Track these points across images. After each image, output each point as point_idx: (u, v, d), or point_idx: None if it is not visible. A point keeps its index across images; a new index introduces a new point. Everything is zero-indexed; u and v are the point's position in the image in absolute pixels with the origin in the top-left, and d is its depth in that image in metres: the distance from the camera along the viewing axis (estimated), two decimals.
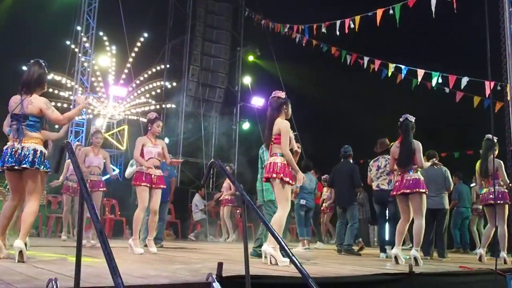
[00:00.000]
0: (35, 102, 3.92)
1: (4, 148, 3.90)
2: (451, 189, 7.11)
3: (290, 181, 4.40)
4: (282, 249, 2.56)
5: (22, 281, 2.59)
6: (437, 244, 6.83)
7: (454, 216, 9.12)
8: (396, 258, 5.19)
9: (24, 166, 3.77)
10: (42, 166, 3.85)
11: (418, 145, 5.38)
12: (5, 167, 3.83)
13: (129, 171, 7.19)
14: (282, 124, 4.50)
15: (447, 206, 6.98)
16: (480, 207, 9.24)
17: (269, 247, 4.21)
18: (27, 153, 3.81)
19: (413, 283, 3.75)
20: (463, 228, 9.35)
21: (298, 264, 2.34)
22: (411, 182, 5.26)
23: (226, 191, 10.32)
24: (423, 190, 5.25)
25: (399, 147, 5.45)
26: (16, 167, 3.78)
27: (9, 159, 3.81)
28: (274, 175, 4.38)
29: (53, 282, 2.17)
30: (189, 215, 11.25)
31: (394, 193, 5.43)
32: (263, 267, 3.88)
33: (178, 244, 8.17)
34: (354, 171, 7.33)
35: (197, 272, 3.26)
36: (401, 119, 5.53)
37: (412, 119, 5.49)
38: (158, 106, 14.00)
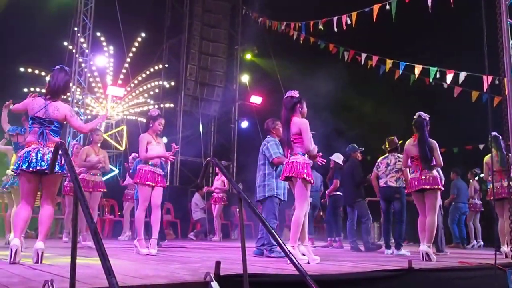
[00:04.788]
0: (61, 109, 4.03)
1: (25, 150, 3.88)
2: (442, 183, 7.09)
3: (312, 180, 4.47)
4: (279, 246, 2.54)
5: (19, 283, 2.57)
6: (435, 240, 6.82)
7: (452, 211, 9.11)
8: (427, 255, 5.05)
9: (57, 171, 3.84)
10: (61, 170, 3.91)
11: (434, 144, 5.32)
12: (31, 170, 3.80)
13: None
14: (301, 123, 4.49)
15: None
16: (478, 202, 9.26)
17: (288, 246, 4.16)
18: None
19: (413, 279, 3.74)
20: (460, 223, 9.36)
21: (296, 262, 2.33)
22: (430, 178, 5.23)
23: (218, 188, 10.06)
24: (440, 187, 5.27)
25: (416, 146, 5.36)
26: (47, 172, 3.78)
27: (39, 162, 3.80)
28: (297, 174, 4.37)
29: (49, 283, 2.16)
30: (189, 214, 11.23)
31: (413, 189, 5.33)
32: (262, 265, 3.87)
33: (177, 243, 8.16)
34: (354, 168, 7.37)
35: (196, 271, 3.24)
36: (415, 117, 5.47)
37: (426, 116, 5.43)
38: (156, 106, 13.96)
